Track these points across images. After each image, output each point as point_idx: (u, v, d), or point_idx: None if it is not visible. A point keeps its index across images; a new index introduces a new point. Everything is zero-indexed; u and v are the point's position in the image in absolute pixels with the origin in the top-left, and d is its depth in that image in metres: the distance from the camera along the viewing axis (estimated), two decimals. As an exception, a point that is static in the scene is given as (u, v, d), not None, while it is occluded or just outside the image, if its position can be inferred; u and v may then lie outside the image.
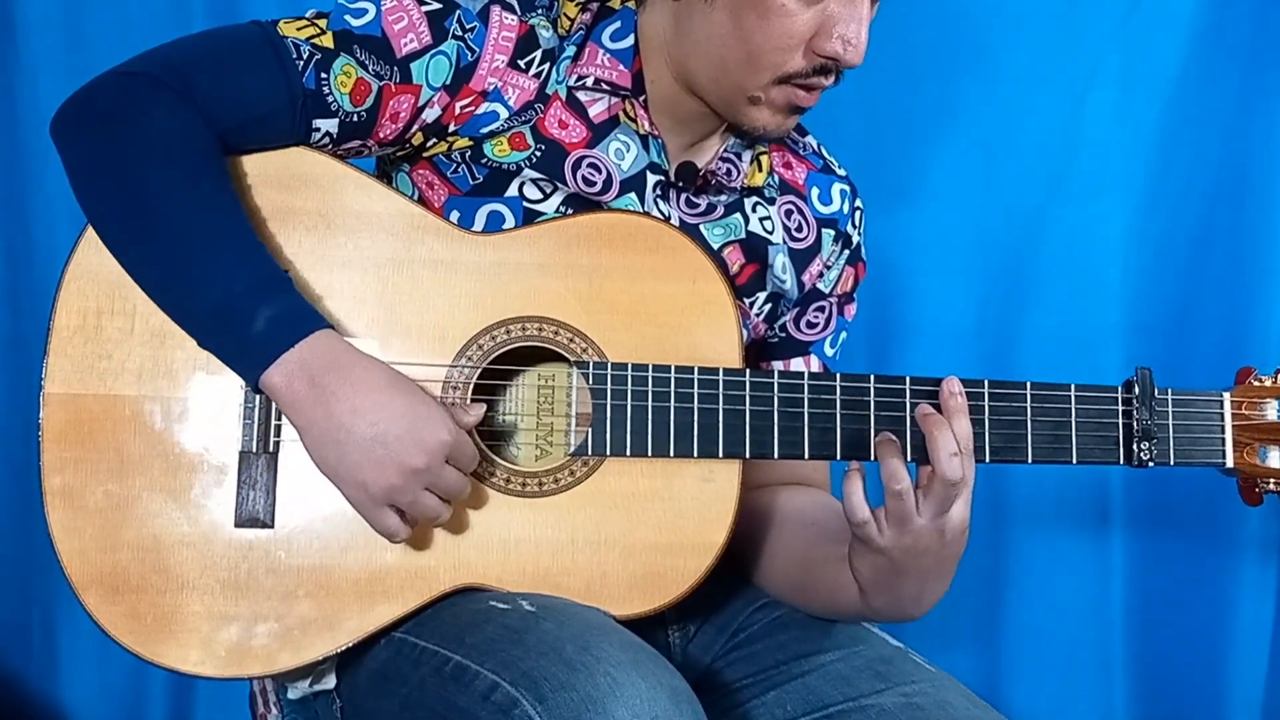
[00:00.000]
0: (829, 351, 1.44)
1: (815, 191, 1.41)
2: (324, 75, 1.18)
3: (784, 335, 1.42)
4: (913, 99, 1.91)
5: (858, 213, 1.44)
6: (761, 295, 1.37)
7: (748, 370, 1.22)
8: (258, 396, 1.16)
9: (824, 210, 1.41)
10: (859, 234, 1.44)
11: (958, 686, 1.22)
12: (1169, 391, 1.25)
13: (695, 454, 1.20)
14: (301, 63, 1.18)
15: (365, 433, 1.10)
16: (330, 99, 1.18)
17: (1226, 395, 1.26)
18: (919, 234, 1.93)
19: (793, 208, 1.39)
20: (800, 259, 1.39)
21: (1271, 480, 1.26)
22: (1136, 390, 1.24)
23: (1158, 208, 1.92)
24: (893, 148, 1.92)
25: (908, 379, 1.22)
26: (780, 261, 1.37)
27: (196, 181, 1.13)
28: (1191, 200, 1.91)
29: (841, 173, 1.44)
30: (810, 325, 1.42)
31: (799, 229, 1.39)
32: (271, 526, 1.17)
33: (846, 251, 1.43)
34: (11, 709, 1.86)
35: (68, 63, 1.79)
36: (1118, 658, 1.97)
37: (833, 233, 1.41)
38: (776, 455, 1.21)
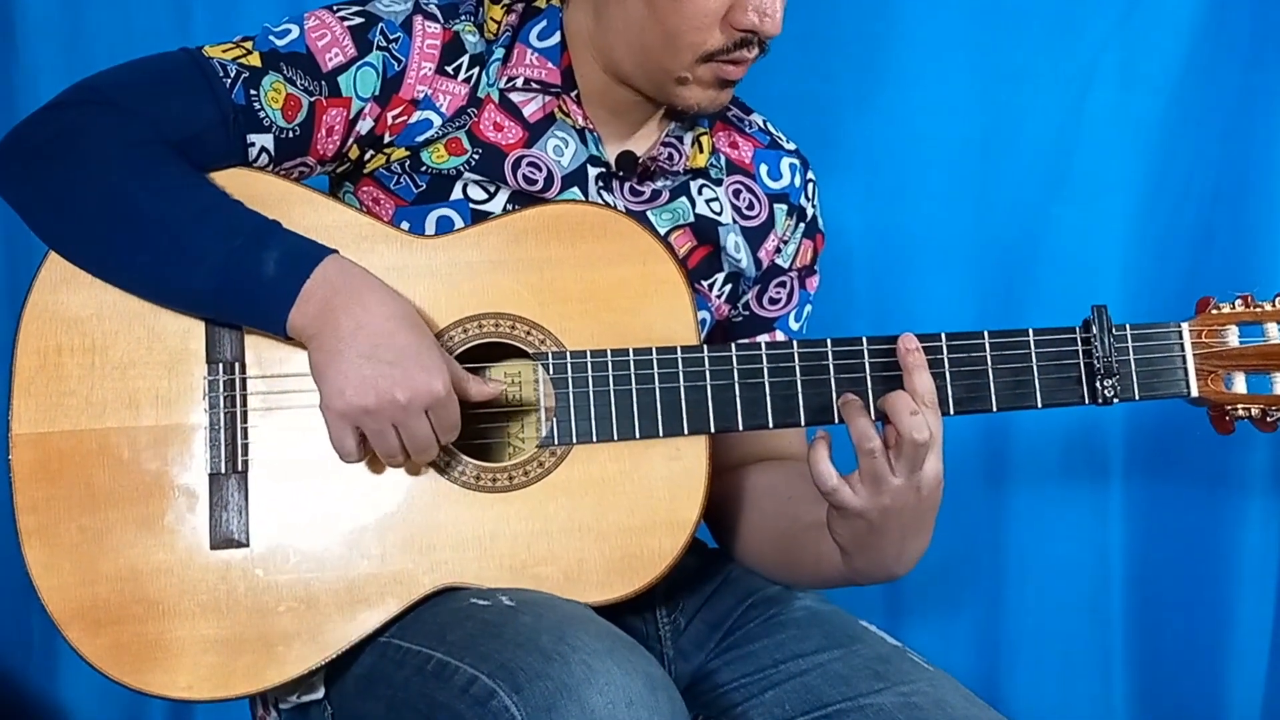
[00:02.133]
0: (794, 326, 1.44)
1: (764, 168, 1.42)
2: (254, 91, 1.20)
3: (748, 314, 1.42)
4: (912, 98, 1.91)
5: (810, 185, 1.44)
6: (720, 276, 1.38)
7: (705, 346, 1.22)
8: (223, 417, 1.18)
9: (774, 185, 1.41)
10: (813, 206, 1.45)
11: (956, 685, 1.22)
12: (1127, 326, 1.25)
13: (661, 433, 1.21)
14: (229, 80, 1.19)
15: (362, 349, 1.11)
16: (262, 114, 1.20)
17: (1185, 325, 1.26)
18: (918, 233, 1.93)
19: (741, 186, 1.40)
20: (754, 236, 1.40)
21: (1239, 406, 1.26)
22: (1095, 329, 1.24)
23: (1158, 208, 1.92)
24: (893, 147, 1.92)
25: (864, 339, 1.23)
26: (733, 241, 1.38)
27: (157, 169, 1.15)
28: (1191, 200, 1.91)
29: (790, 147, 1.44)
30: (773, 301, 1.43)
31: (750, 207, 1.40)
32: (247, 545, 1.18)
33: (802, 225, 1.43)
34: (11, 709, 1.86)
35: (68, 63, 1.79)
36: (1117, 649, 1.96)
37: (785, 207, 1.42)
38: (742, 427, 1.22)
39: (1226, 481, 1.90)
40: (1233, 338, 1.26)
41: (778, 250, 1.42)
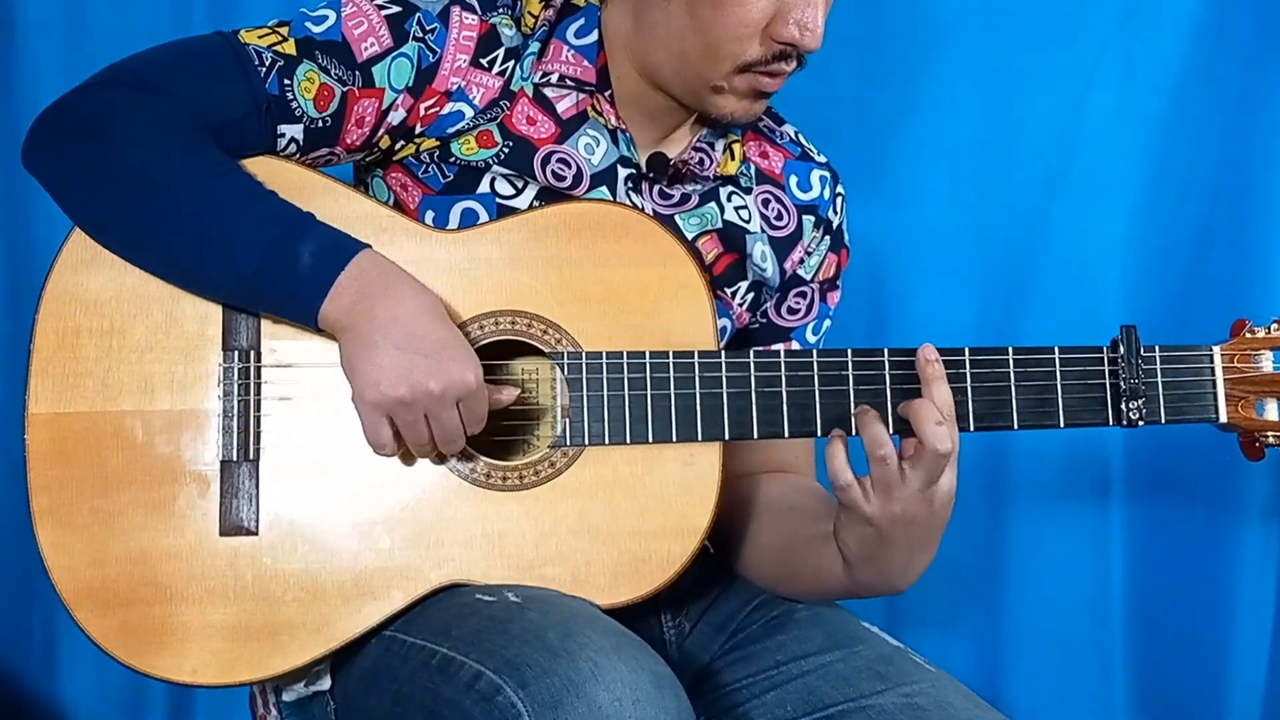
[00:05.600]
0: (811, 338, 1.42)
1: (794, 179, 1.40)
2: (287, 81, 1.20)
3: (765, 321, 1.41)
4: (912, 98, 1.90)
5: (839, 199, 1.43)
6: (743, 285, 1.37)
7: (723, 351, 1.21)
8: (237, 405, 1.18)
9: (803, 197, 1.40)
10: (840, 220, 1.43)
11: (958, 686, 1.21)
12: (1156, 348, 1.22)
13: (675, 438, 1.20)
14: (264, 69, 1.19)
15: (397, 341, 1.12)
16: (294, 104, 1.20)
17: (1217, 349, 1.24)
18: (918, 234, 1.92)
19: (770, 196, 1.39)
20: (781, 247, 1.38)
21: (1270, 433, 1.23)
22: (1122, 349, 1.21)
23: (1158, 207, 1.90)
24: (893, 147, 1.91)
25: (885, 351, 1.21)
26: (759, 250, 1.36)
27: (192, 155, 1.15)
28: (1191, 200, 1.89)
29: (821, 159, 1.43)
30: (791, 311, 1.41)
31: (779, 217, 1.38)
32: (256, 534, 1.18)
33: (828, 238, 1.42)
34: (11, 709, 1.86)
35: (68, 63, 1.79)
36: (1117, 653, 1.94)
37: (813, 219, 1.40)
38: (756, 435, 1.20)
39: (1228, 485, 1.88)
40: (1267, 363, 1.24)
41: (802, 261, 1.40)
